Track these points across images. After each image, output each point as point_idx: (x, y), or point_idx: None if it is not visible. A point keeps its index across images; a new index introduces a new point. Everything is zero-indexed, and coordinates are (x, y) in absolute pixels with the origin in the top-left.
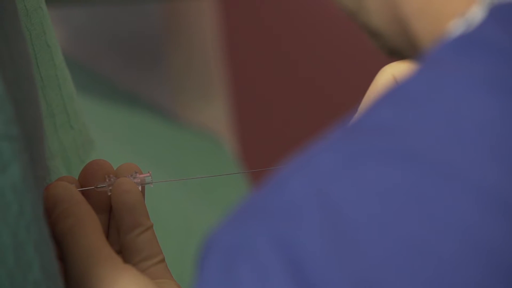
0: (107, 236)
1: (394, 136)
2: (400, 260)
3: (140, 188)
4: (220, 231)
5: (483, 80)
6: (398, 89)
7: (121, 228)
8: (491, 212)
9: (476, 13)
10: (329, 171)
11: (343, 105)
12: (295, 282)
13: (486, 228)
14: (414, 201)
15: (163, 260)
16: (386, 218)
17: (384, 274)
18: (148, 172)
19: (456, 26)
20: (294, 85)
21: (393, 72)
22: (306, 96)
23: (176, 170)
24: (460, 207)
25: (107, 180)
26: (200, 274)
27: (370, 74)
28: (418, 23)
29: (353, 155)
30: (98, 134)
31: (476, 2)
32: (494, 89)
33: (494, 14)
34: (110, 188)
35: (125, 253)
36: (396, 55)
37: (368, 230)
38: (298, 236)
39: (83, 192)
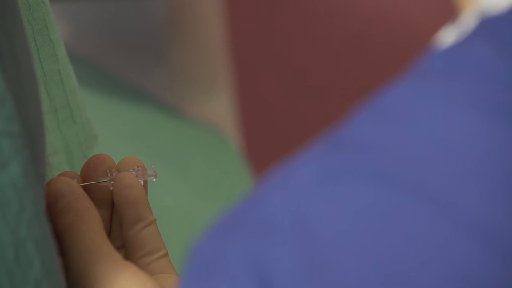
0: (110, 231)
1: (371, 154)
2: (371, 282)
3: (142, 182)
4: (200, 244)
5: (470, 98)
6: (382, 102)
7: (123, 223)
8: (466, 234)
9: (469, 22)
10: (305, 187)
11: (347, 100)
12: None
13: (461, 250)
14: (386, 222)
15: (166, 255)
16: (357, 238)
17: None
18: (151, 166)
19: (448, 33)
20: (299, 79)
21: None
22: (310, 91)
23: (179, 164)
24: (433, 228)
25: (109, 175)
26: (181, 282)
27: (371, 69)
28: None
29: (330, 172)
30: (101, 128)
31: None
32: (482, 109)
33: (484, 27)
34: (112, 182)
35: (128, 248)
36: None
37: (339, 250)
38: (271, 253)
39: (85, 187)
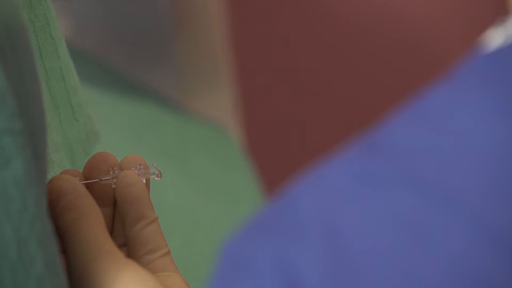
0: (112, 229)
1: (406, 160)
2: (394, 286)
3: (144, 180)
4: (230, 244)
5: (508, 107)
6: (419, 107)
7: (125, 221)
8: (496, 252)
9: None
10: (338, 191)
11: (350, 98)
12: None
13: (490, 266)
14: (416, 231)
15: (168, 253)
16: (387, 246)
17: None
18: (153, 164)
19: (495, 35)
20: (300, 76)
21: None
22: (312, 87)
23: (182, 160)
24: (456, 236)
25: (111, 173)
26: (211, 283)
27: (372, 64)
28: None
29: (363, 176)
30: (102, 125)
31: None
32: (506, 116)
33: None
34: (114, 180)
35: (130, 246)
36: None
37: (367, 257)
38: (300, 256)
39: (87, 185)
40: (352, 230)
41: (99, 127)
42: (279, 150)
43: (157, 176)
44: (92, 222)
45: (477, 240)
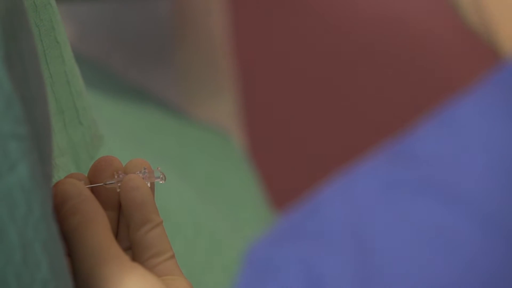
0: (117, 232)
1: (434, 168)
2: None
3: (149, 184)
4: (256, 247)
5: None
6: (448, 116)
7: (130, 225)
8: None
9: None
10: (366, 198)
11: (350, 100)
12: None
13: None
14: (443, 240)
15: (173, 257)
16: (413, 254)
17: None
18: (157, 168)
19: None
20: (303, 80)
21: None
22: (315, 91)
23: (184, 165)
24: (492, 250)
25: (116, 177)
26: (236, 284)
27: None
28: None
29: (391, 184)
30: (107, 130)
31: None
32: None
33: None
34: (119, 184)
35: (135, 249)
36: None
37: (394, 265)
38: (327, 261)
39: (92, 189)
40: (379, 238)
41: (103, 131)
42: (281, 154)
43: (162, 179)
44: (97, 226)
45: (507, 253)
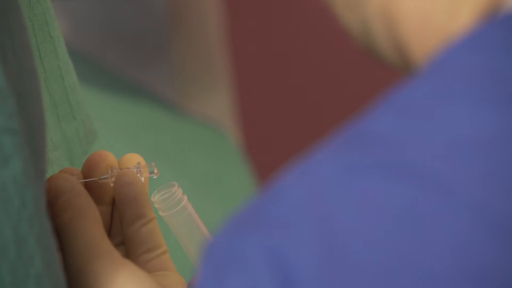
0: (110, 227)
1: (393, 149)
2: (392, 278)
3: (143, 179)
4: (218, 237)
5: (486, 93)
6: (402, 96)
7: (123, 220)
8: (482, 230)
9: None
10: (326, 182)
11: (346, 95)
12: None
13: (478, 246)
14: (409, 218)
15: (166, 252)
16: (377, 234)
17: None
18: (151, 163)
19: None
20: (298, 75)
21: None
22: (310, 87)
23: (179, 161)
24: (454, 225)
25: (109, 172)
26: (198, 278)
27: (370, 68)
28: (415, 45)
29: (350, 167)
30: (101, 125)
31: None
32: (497, 105)
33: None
34: (112, 179)
35: (128, 244)
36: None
37: (360, 246)
38: (291, 248)
39: (86, 184)
40: (344, 220)
41: (97, 126)
42: (276, 149)
43: (155, 174)
44: (89, 221)
45: (476, 229)
